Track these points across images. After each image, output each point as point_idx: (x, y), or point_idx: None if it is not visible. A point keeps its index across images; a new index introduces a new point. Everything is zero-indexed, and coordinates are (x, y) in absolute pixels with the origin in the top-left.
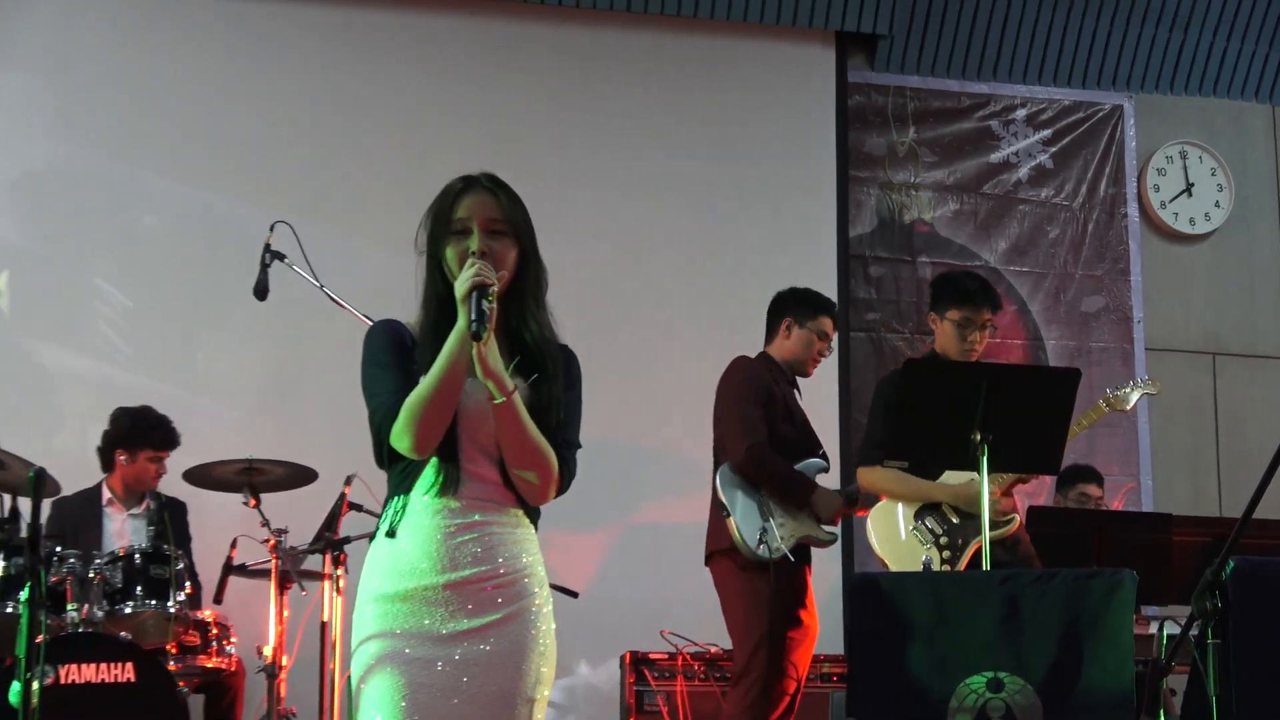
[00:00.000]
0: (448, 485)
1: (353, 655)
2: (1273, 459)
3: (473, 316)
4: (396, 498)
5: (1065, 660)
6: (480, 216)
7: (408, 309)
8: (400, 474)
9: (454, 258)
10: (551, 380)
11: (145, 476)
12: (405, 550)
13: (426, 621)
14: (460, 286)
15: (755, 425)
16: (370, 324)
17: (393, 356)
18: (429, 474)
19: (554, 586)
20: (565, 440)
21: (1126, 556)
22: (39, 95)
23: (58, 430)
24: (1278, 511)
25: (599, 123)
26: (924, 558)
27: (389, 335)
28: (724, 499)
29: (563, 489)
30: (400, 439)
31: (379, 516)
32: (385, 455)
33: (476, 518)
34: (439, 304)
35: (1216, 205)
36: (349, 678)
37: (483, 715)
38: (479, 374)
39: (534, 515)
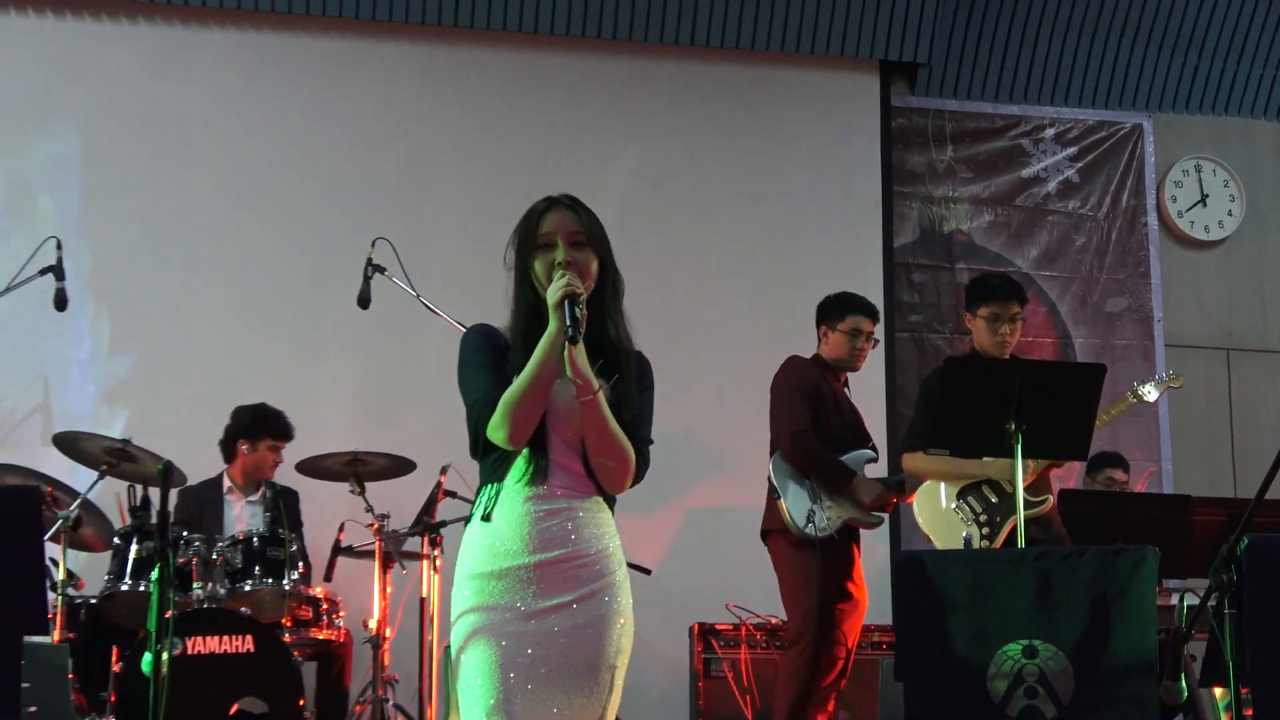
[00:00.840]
0: (538, 475)
1: (452, 627)
2: None
3: (568, 322)
4: (490, 485)
5: (1094, 629)
6: (563, 231)
7: (494, 316)
8: (493, 464)
9: (542, 269)
10: (626, 380)
11: (264, 465)
12: (500, 533)
13: (519, 597)
14: (553, 295)
15: (799, 416)
16: (463, 329)
17: (489, 357)
18: (520, 464)
19: (630, 565)
20: (640, 436)
21: (1150, 534)
22: (175, 128)
23: (183, 428)
24: None
25: (663, 146)
26: (964, 534)
27: (484, 338)
28: (776, 483)
29: (638, 479)
30: (496, 432)
31: (472, 503)
32: (480, 447)
33: (563, 504)
34: (529, 311)
35: (1229, 214)
36: (447, 647)
37: (570, 681)
38: (569, 373)
39: (611, 502)
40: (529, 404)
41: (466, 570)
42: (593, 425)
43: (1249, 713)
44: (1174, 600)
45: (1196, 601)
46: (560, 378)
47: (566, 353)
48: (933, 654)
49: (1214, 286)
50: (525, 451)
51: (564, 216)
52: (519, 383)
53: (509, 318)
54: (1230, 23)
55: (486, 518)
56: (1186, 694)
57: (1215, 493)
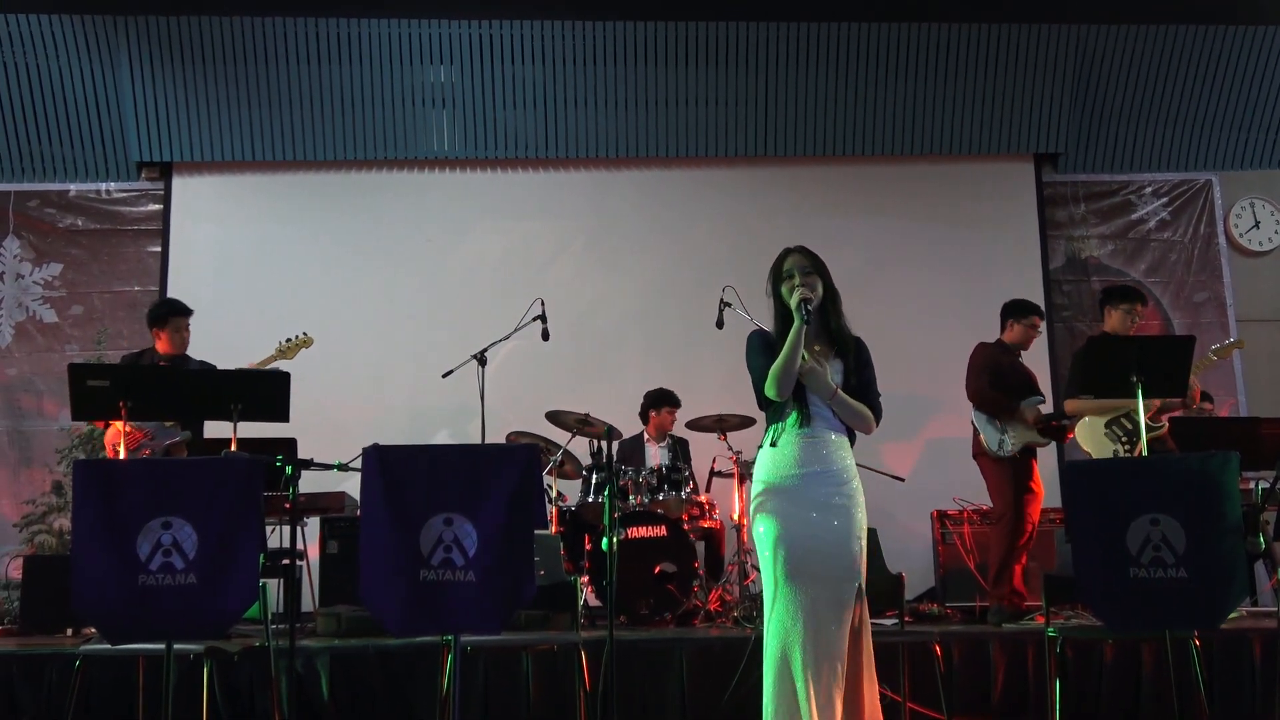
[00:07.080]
0: (803, 419)
1: (750, 512)
2: None
3: (803, 313)
4: (775, 425)
5: (1198, 505)
6: (797, 267)
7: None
8: (774, 412)
9: (786, 291)
10: (854, 361)
11: (664, 424)
12: (781, 455)
13: (794, 494)
14: (792, 301)
15: (978, 379)
16: (753, 330)
17: (764, 347)
18: (794, 413)
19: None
20: (871, 394)
21: (1232, 443)
22: (604, 228)
23: (615, 406)
24: None
25: (895, 216)
26: (1113, 450)
27: (761, 337)
28: (976, 424)
29: (878, 424)
30: (770, 389)
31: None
32: (762, 401)
33: (819, 438)
34: (782, 317)
35: (1275, 233)
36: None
37: (830, 548)
38: (823, 386)
39: (852, 437)
40: (786, 369)
41: (759, 478)
42: (841, 410)
43: None
44: (1251, 485)
45: (1267, 485)
46: (812, 367)
47: (827, 384)
48: (1090, 524)
49: (1266, 280)
50: (796, 406)
51: (797, 258)
52: (779, 358)
53: (771, 322)
54: (1265, 110)
55: (774, 444)
56: (1264, 545)
57: (1275, 415)
